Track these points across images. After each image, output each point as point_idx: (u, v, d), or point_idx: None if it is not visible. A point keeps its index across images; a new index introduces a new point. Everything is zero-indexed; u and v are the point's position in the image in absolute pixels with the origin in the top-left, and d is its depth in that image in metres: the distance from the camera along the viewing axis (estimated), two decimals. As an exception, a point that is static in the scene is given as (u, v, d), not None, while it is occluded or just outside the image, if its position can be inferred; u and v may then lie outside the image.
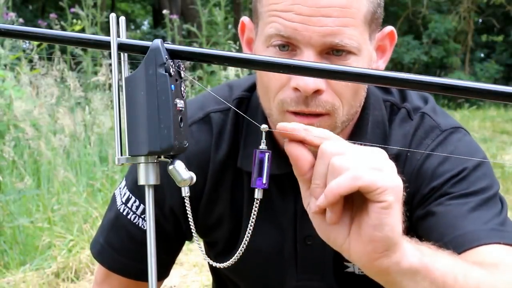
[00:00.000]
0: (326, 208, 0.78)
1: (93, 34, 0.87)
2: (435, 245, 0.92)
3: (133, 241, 1.19)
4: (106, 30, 1.23)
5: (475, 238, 1.03)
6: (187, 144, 0.75)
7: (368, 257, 0.79)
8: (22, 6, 15.80)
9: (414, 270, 0.82)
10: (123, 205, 1.19)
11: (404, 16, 17.11)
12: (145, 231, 1.17)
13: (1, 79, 3.96)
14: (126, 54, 0.74)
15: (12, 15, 5.00)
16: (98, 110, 4.42)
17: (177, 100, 0.72)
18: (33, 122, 3.79)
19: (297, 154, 0.79)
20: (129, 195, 1.19)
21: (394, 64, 15.77)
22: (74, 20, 5.68)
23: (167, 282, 2.72)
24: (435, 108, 1.19)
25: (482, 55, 18.49)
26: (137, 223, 1.18)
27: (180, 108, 0.72)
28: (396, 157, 1.14)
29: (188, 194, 0.82)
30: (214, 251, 1.26)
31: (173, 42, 3.64)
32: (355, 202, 0.79)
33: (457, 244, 1.02)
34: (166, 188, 1.14)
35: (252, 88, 1.20)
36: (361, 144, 0.81)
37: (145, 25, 22.48)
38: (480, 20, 18.69)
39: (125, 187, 1.20)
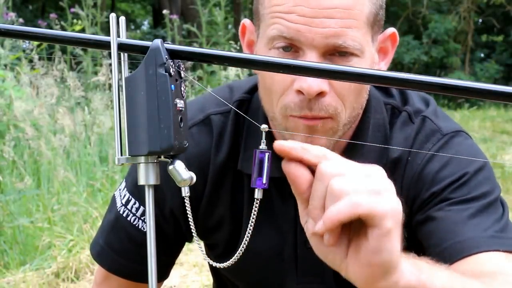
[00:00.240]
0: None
1: (93, 34, 0.87)
2: (434, 257, 0.91)
3: (132, 243, 1.19)
4: (106, 30, 1.23)
5: (474, 245, 1.02)
6: (187, 144, 0.75)
7: (366, 280, 0.79)
8: (22, 6, 15.80)
9: None
10: (123, 207, 1.19)
11: (404, 16, 17.11)
12: (144, 233, 1.17)
13: (1, 79, 3.97)
14: (126, 54, 0.74)
15: (12, 15, 5.00)
16: (98, 110, 4.42)
17: (177, 100, 0.72)
18: (33, 122, 3.79)
19: (295, 174, 0.77)
20: (129, 197, 1.19)
21: (394, 64, 15.76)
22: (74, 20, 5.68)
23: (167, 282, 2.71)
24: (437, 111, 1.19)
25: (482, 55, 18.49)
26: (137, 225, 1.18)
27: (180, 108, 0.72)
28: (396, 161, 1.14)
29: (188, 194, 0.82)
30: (214, 253, 1.26)
31: (173, 42, 3.64)
32: (353, 224, 0.78)
33: (456, 251, 1.02)
34: (166, 189, 1.13)
35: (253, 90, 1.19)
36: (361, 159, 0.81)
37: (145, 25, 22.48)
38: (480, 20, 18.70)
39: (125, 189, 1.20)
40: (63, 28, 5.55)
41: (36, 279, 2.63)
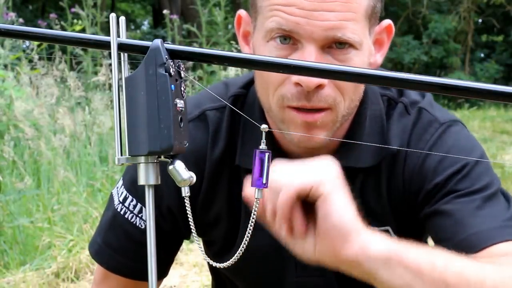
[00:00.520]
0: (291, 225, 0.89)
1: (93, 34, 0.87)
2: (446, 246, 0.97)
3: (130, 240, 1.19)
4: (106, 30, 1.23)
5: (488, 238, 1.04)
6: (187, 144, 0.75)
7: (332, 252, 0.86)
8: (22, 6, 15.80)
9: (384, 257, 0.86)
10: (121, 204, 1.20)
11: (404, 16, 17.11)
12: (142, 230, 1.18)
13: (1, 79, 3.96)
14: (126, 54, 0.74)
15: (12, 15, 5.00)
16: (98, 110, 4.42)
17: (177, 100, 0.72)
18: (33, 122, 3.79)
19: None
20: (126, 194, 1.19)
21: (394, 64, 15.77)
22: (74, 20, 5.68)
23: (167, 282, 2.72)
24: (432, 103, 1.20)
25: (482, 55, 18.49)
26: (134, 222, 1.19)
27: (180, 108, 0.72)
28: (396, 153, 1.15)
29: (188, 194, 0.82)
30: (212, 250, 1.26)
31: (173, 42, 3.64)
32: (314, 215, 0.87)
33: (470, 245, 1.03)
34: (163, 187, 1.13)
35: (248, 85, 1.20)
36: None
37: (145, 25, 22.48)
38: (480, 20, 18.69)
39: (122, 187, 1.21)
40: (63, 28, 5.55)
41: (36, 279, 2.63)
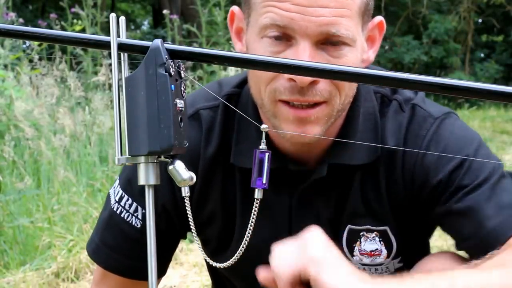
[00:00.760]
0: None
1: (93, 34, 0.87)
2: (470, 250, 1.02)
3: (127, 239, 1.20)
4: (106, 30, 1.23)
5: (507, 229, 1.06)
6: (187, 144, 0.75)
7: None
8: (22, 6, 15.79)
9: None
10: (117, 204, 1.20)
11: (404, 16, 17.10)
12: (138, 229, 1.19)
13: (1, 79, 3.96)
14: (126, 54, 0.74)
15: (12, 15, 5.00)
16: (98, 110, 4.42)
17: (177, 100, 0.72)
18: (33, 122, 3.79)
19: None
20: (122, 194, 1.20)
21: (394, 64, 15.77)
22: (74, 20, 5.68)
23: (167, 282, 2.72)
24: (424, 98, 1.21)
25: (482, 55, 18.48)
26: (130, 221, 1.19)
27: (180, 108, 0.72)
28: (392, 151, 1.15)
29: (188, 194, 0.82)
30: (209, 248, 1.27)
31: (173, 42, 3.64)
32: None
33: (493, 240, 1.06)
34: (157, 186, 1.14)
35: (242, 84, 1.20)
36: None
37: (145, 25, 22.47)
38: (480, 20, 18.69)
39: (119, 186, 1.21)
40: (63, 28, 5.55)
41: (36, 279, 2.63)
